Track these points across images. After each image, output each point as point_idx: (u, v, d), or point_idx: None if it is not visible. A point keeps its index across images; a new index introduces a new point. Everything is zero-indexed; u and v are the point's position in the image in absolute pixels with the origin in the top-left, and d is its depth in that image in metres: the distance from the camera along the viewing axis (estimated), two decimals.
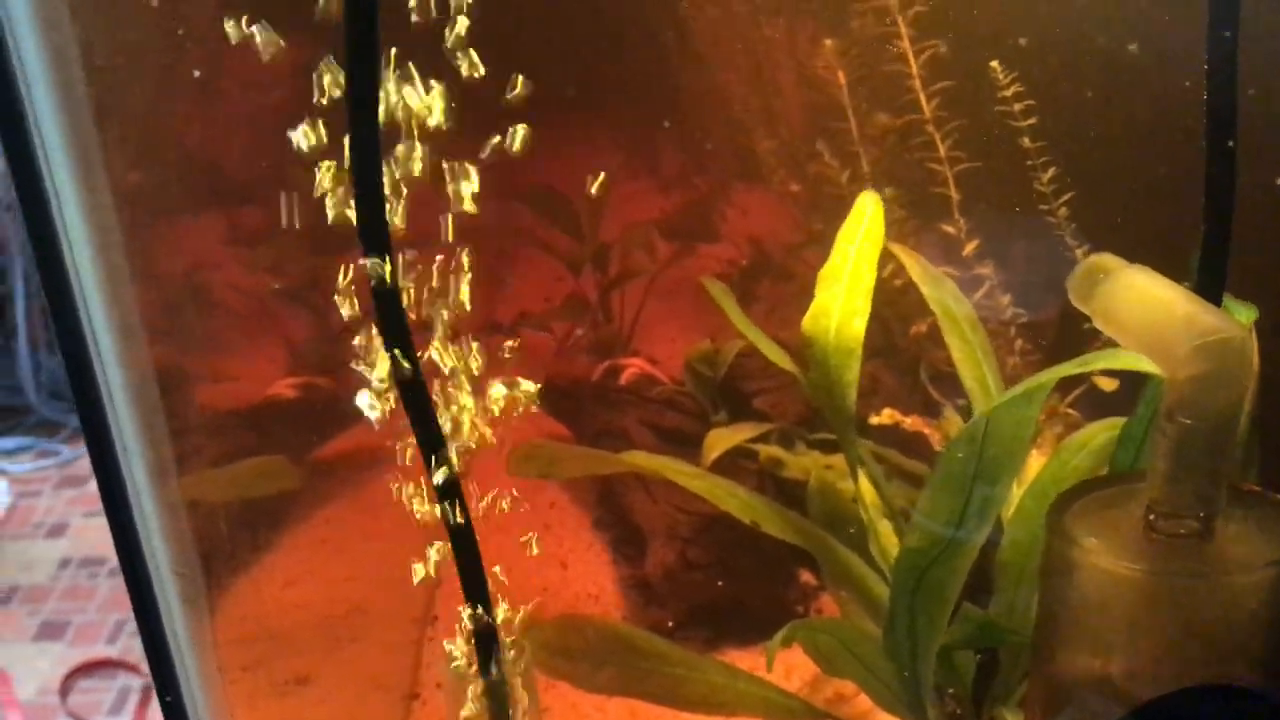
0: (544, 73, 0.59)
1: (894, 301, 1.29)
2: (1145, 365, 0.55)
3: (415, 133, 0.55)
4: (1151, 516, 0.56)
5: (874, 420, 1.02)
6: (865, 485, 0.84)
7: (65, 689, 1.84)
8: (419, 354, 0.57)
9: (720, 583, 1.11)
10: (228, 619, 1.06)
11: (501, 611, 0.64)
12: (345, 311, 0.57)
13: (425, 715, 1.06)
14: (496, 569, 0.65)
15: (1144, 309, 0.54)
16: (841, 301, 0.79)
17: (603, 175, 0.60)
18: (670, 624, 1.12)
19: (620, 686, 0.83)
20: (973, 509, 0.67)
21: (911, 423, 1.00)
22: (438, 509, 0.59)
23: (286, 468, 1.10)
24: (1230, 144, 0.53)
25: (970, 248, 1.12)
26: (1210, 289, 0.56)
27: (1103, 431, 0.77)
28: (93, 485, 0.70)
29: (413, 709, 1.08)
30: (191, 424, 1.21)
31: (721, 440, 1.04)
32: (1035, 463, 0.87)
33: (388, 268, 0.53)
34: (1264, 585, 0.55)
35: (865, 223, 0.81)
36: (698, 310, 1.38)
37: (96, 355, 0.62)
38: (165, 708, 0.61)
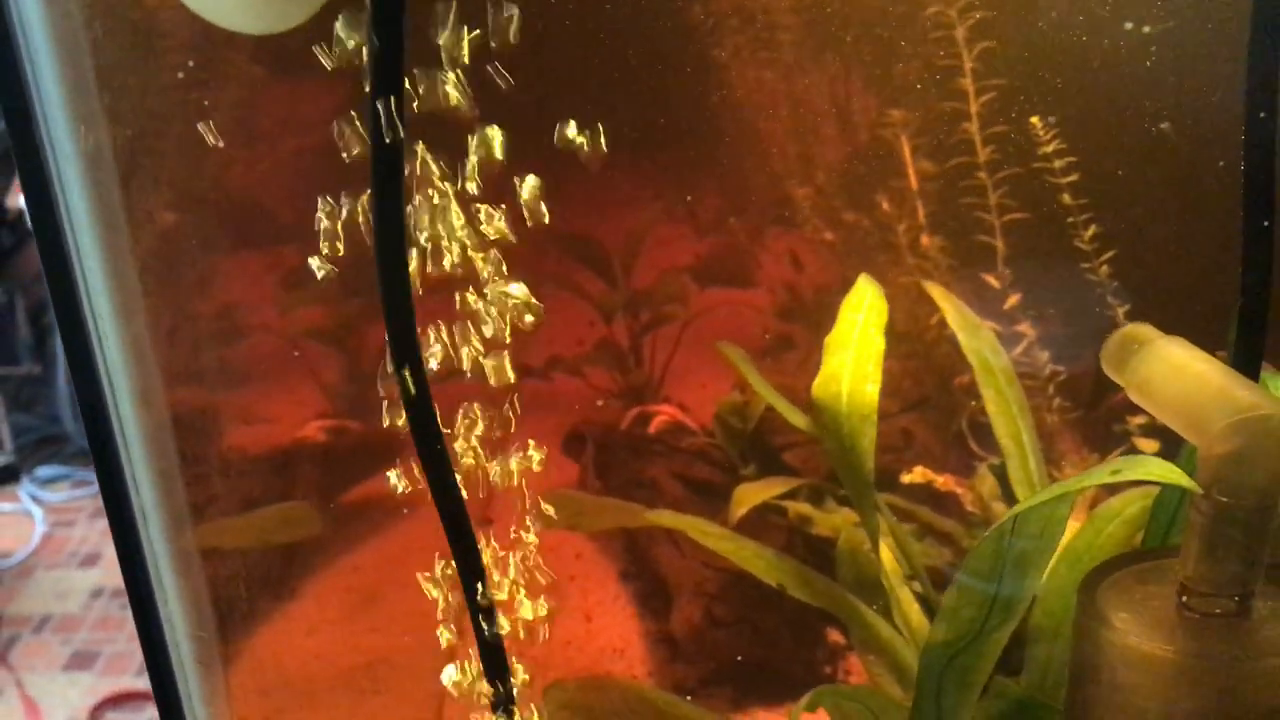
0: (581, 113, 0.58)
1: (930, 354, 1.27)
2: (1179, 478, 0.53)
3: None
4: (1185, 596, 0.54)
5: (905, 479, 1.01)
6: (886, 553, 0.82)
7: (95, 719, 1.85)
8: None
9: (746, 641, 1.09)
10: (247, 668, 1.06)
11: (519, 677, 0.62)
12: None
13: None
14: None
15: (1179, 382, 0.53)
16: (851, 367, 0.78)
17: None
18: (695, 682, 1.10)
19: None
20: (1000, 603, 0.66)
21: (944, 482, 0.99)
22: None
23: (310, 514, 1.10)
24: (1267, 223, 0.52)
25: (1012, 301, 1.11)
26: (1248, 363, 0.55)
27: (1138, 500, 0.75)
28: None
29: None
30: (216, 468, 1.22)
31: (750, 496, 1.03)
32: (1069, 527, 0.85)
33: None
34: None
35: (867, 299, 0.81)
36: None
37: (113, 401, 0.62)
38: None
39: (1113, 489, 0.94)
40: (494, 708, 0.63)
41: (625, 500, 1.13)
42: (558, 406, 1.65)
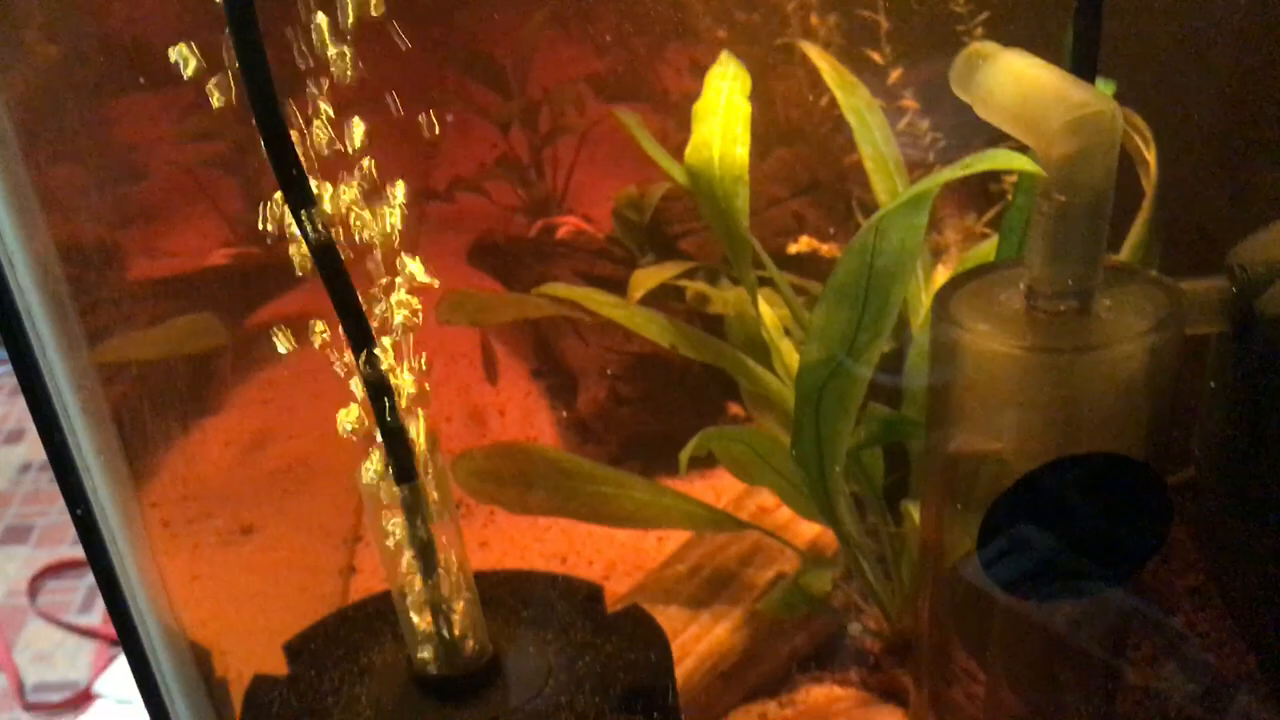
0: None
1: (823, 143, 1.30)
2: (1025, 164, 0.57)
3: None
4: (1031, 297, 0.58)
5: (792, 249, 1.04)
6: (765, 309, 0.85)
7: (34, 590, 1.87)
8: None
9: (650, 417, 1.14)
10: (171, 478, 1.08)
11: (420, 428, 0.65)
12: None
13: (368, 557, 1.10)
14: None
15: (1017, 89, 0.56)
16: (720, 132, 0.79)
17: None
18: (604, 459, 1.15)
19: (551, 507, 0.86)
20: (868, 319, 0.69)
21: (828, 250, 1.02)
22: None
23: (216, 324, 1.10)
24: None
25: (895, 76, 1.13)
26: (1083, 68, 0.57)
27: None
28: None
29: (356, 551, 1.11)
30: (122, 295, 1.21)
31: (647, 279, 1.05)
32: (941, 276, 0.89)
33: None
34: (1139, 355, 0.58)
35: (730, 71, 0.82)
36: (632, 167, 1.39)
37: (12, 275, 0.61)
38: (76, 520, 0.62)
39: (978, 236, 0.99)
40: (397, 479, 0.65)
41: None
42: (463, 226, 1.65)
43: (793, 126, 1.31)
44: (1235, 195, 0.89)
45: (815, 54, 0.89)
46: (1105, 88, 0.63)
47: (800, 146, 1.30)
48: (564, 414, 1.22)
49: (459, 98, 1.63)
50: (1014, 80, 0.56)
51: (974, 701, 0.75)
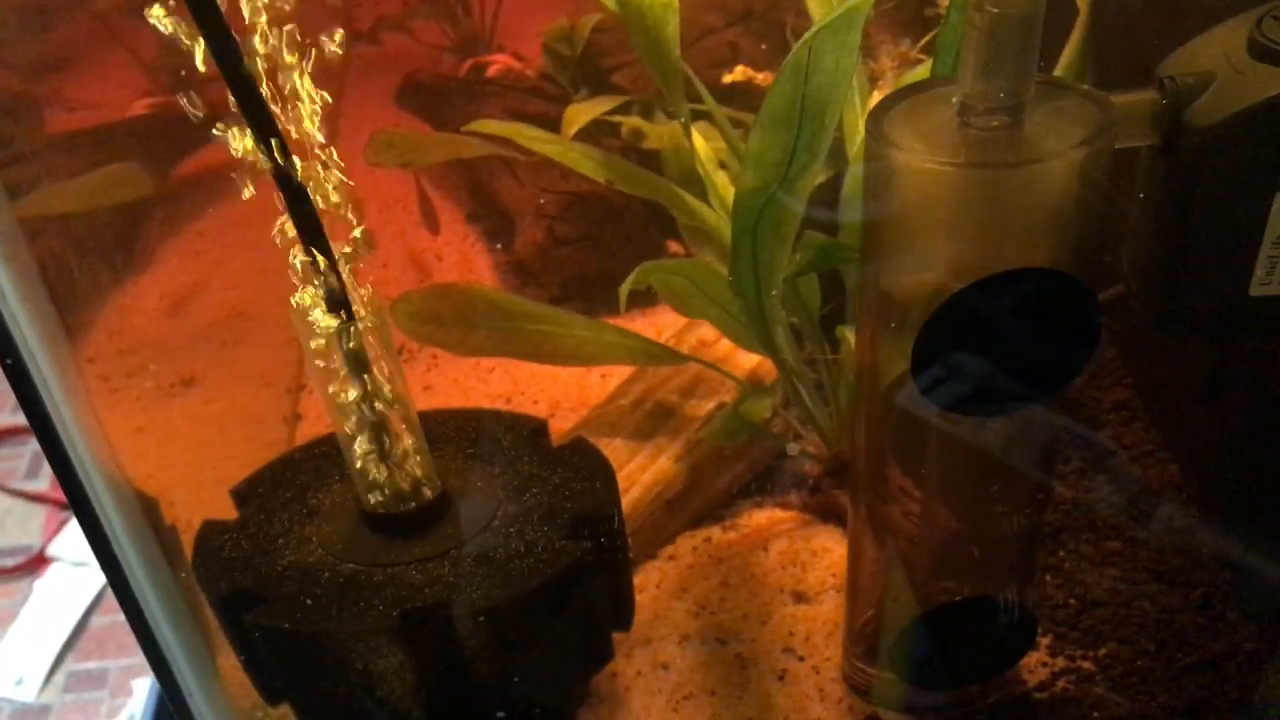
0: None
1: None
2: None
3: None
4: (963, 114, 0.58)
5: (727, 79, 1.03)
6: (699, 140, 0.84)
7: None
8: None
9: (589, 256, 1.14)
10: (107, 332, 1.06)
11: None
12: None
13: (311, 404, 1.10)
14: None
15: None
16: None
17: None
18: (545, 300, 1.15)
19: (492, 347, 0.86)
20: (803, 143, 0.68)
21: (763, 79, 1.01)
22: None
23: (140, 174, 1.08)
24: None
25: None
26: None
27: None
28: None
29: (300, 399, 1.11)
30: (41, 148, 1.17)
31: (581, 114, 1.04)
32: (873, 100, 0.89)
33: None
34: (1072, 168, 0.58)
35: None
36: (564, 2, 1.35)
37: None
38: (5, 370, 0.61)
39: (914, 62, 0.98)
40: (331, 309, 0.64)
41: None
42: (389, 67, 1.61)
43: None
44: (1166, 6, 0.88)
45: None
46: None
47: None
48: (502, 257, 1.22)
49: None
50: None
51: (909, 518, 0.77)
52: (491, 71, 1.52)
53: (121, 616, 0.69)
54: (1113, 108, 0.59)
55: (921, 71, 0.84)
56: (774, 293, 0.75)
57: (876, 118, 0.59)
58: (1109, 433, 1.00)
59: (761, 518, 0.93)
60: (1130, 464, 0.98)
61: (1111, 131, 0.58)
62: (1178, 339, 0.93)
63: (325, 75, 0.62)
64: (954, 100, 0.59)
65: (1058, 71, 0.82)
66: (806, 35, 0.62)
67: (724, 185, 0.84)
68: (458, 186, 1.36)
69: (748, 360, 0.96)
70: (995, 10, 0.54)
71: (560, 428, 0.97)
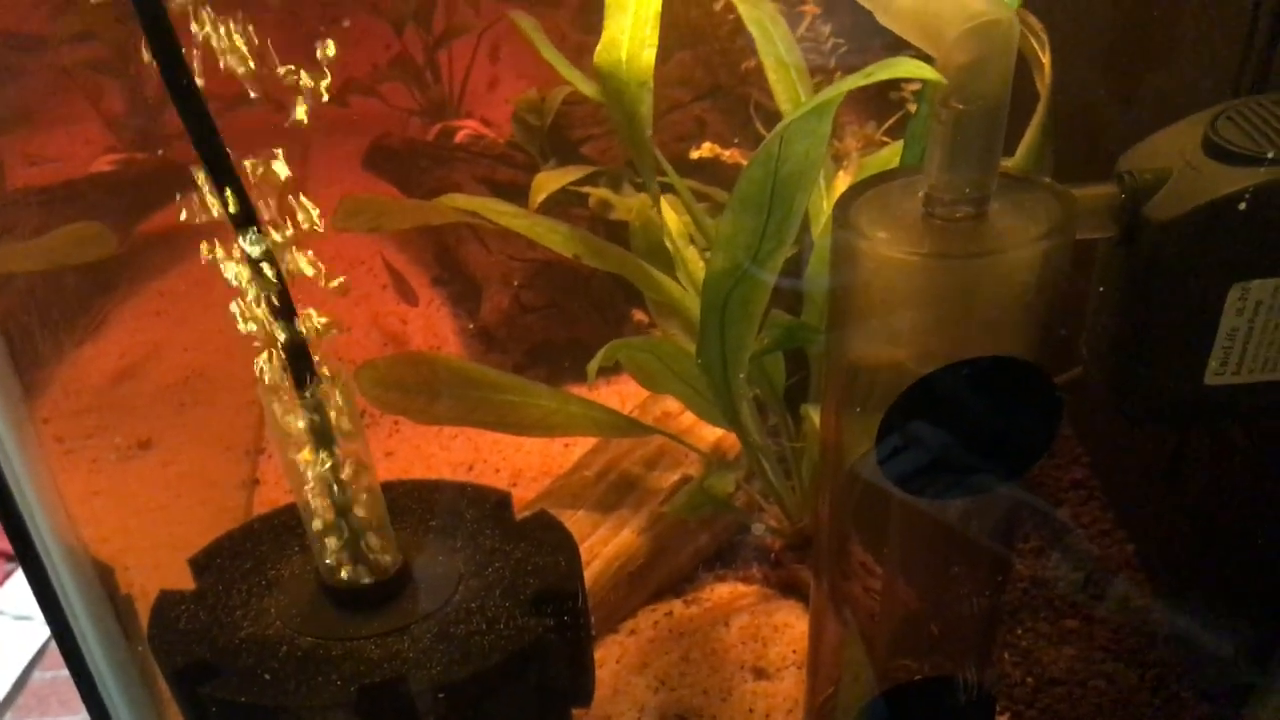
0: None
1: (724, 47, 1.29)
2: (925, 72, 0.57)
3: None
4: (929, 204, 0.59)
5: (695, 155, 1.04)
6: (669, 215, 0.85)
7: None
8: None
9: (555, 324, 1.14)
10: (64, 392, 1.05)
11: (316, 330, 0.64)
12: None
13: (271, 468, 1.09)
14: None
15: None
16: (630, 31, 0.78)
17: None
18: (510, 368, 1.15)
19: (457, 416, 0.86)
20: (772, 227, 0.69)
21: (730, 155, 1.02)
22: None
23: (104, 232, 1.07)
24: None
25: None
26: None
27: (901, 150, 0.80)
28: None
29: (259, 463, 1.10)
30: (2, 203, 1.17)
31: (548, 182, 1.04)
32: (842, 182, 0.90)
33: None
34: (1034, 260, 0.59)
35: None
36: (532, 69, 1.36)
37: None
38: None
39: (879, 144, 1.00)
40: (296, 380, 0.64)
41: None
42: (357, 129, 1.62)
43: (694, 27, 1.30)
44: (1125, 100, 0.91)
45: None
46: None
47: (701, 48, 1.29)
48: (468, 322, 1.22)
49: None
50: None
51: (871, 595, 0.77)
52: (460, 137, 1.54)
53: (65, 672, 0.68)
54: (1074, 202, 0.61)
55: (886, 154, 0.85)
56: (741, 374, 0.76)
57: (844, 206, 0.61)
58: (1067, 511, 1.01)
59: (723, 591, 0.93)
60: (1088, 542, 0.99)
61: (1073, 225, 0.60)
62: (1135, 424, 0.94)
63: (292, 135, 0.62)
64: (920, 191, 0.60)
65: (1018, 155, 0.84)
66: (779, 126, 0.64)
67: (692, 260, 0.85)
68: (424, 250, 1.37)
69: (712, 432, 0.97)
70: (960, 106, 0.56)
71: (523, 497, 0.97)
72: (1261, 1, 0.72)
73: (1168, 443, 0.89)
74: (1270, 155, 0.60)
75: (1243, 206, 0.59)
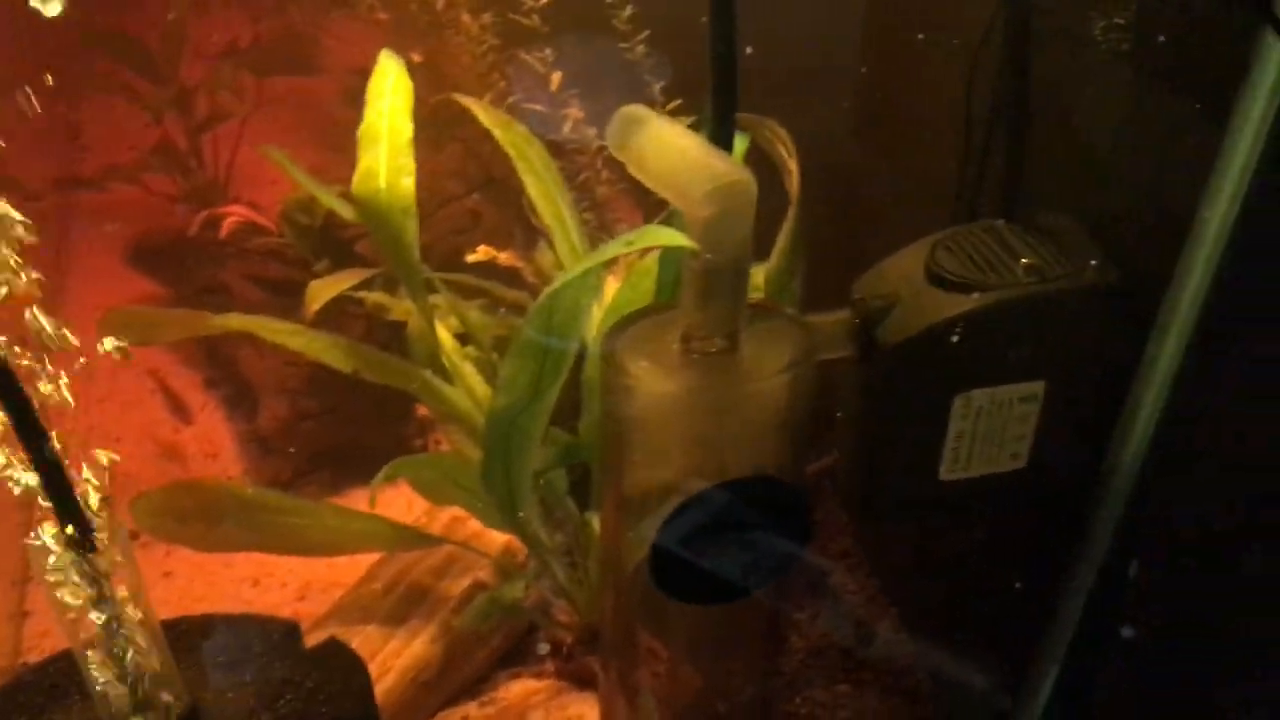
0: None
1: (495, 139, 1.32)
2: (678, 239, 0.61)
3: None
4: (686, 341, 0.64)
5: (470, 258, 1.06)
6: (444, 333, 0.88)
7: None
8: None
9: (336, 429, 1.14)
10: None
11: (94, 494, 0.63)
12: None
13: (41, 598, 1.04)
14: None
15: (666, 157, 0.60)
16: (385, 161, 0.80)
17: None
18: (291, 474, 1.14)
19: (238, 541, 0.85)
20: (549, 368, 0.73)
21: (505, 258, 1.05)
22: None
23: None
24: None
25: (557, 80, 1.16)
26: (723, 135, 0.63)
27: None
28: None
29: (26, 593, 1.05)
30: None
31: (323, 291, 1.04)
32: (612, 288, 0.95)
33: None
34: (781, 388, 0.65)
35: (390, 79, 0.83)
36: (300, 147, 1.36)
37: None
38: None
39: (645, 250, 1.05)
40: (75, 545, 0.63)
41: (199, 309, 1.12)
42: (119, 216, 1.56)
43: (465, 112, 1.33)
44: (863, 218, 0.99)
45: (470, 103, 0.92)
46: (740, 141, 0.69)
47: (472, 141, 1.31)
48: (244, 426, 1.20)
49: (108, 83, 1.53)
50: (663, 148, 0.60)
51: (658, 679, 0.81)
52: (226, 226, 1.51)
53: None
54: (813, 330, 0.67)
55: (649, 262, 0.90)
56: (525, 488, 0.79)
57: (610, 343, 0.65)
58: (836, 579, 1.08)
59: (517, 689, 0.95)
60: (856, 608, 1.06)
61: (814, 351, 0.66)
62: (880, 521, 1.01)
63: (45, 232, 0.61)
64: (677, 328, 0.65)
65: (772, 257, 0.90)
66: (549, 290, 0.67)
67: (470, 375, 0.88)
68: (194, 351, 1.33)
69: (500, 536, 0.99)
70: (709, 256, 0.60)
71: (313, 611, 0.96)
72: (972, 132, 0.80)
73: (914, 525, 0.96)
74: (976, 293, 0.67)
75: (959, 330, 0.67)
